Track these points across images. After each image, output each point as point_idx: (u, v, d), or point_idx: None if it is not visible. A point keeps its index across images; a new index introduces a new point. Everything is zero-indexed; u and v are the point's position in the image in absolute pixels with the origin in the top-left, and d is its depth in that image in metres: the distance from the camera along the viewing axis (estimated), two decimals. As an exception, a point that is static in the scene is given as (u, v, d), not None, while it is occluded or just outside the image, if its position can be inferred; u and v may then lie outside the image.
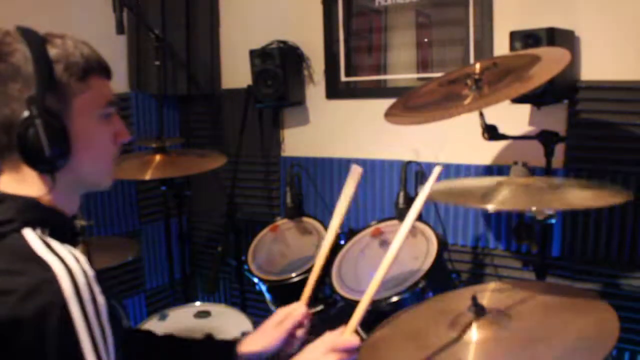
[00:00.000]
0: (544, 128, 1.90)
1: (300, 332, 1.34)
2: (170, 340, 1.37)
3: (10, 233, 0.88)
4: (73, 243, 0.94)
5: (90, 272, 0.87)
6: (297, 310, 1.35)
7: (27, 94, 0.91)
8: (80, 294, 0.84)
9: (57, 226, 0.95)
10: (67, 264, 0.85)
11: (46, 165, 0.94)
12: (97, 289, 0.87)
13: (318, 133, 2.81)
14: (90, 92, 0.99)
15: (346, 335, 1.16)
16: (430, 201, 1.66)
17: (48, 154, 0.92)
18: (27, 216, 0.92)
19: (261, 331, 1.34)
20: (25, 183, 0.96)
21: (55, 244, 0.88)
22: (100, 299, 0.87)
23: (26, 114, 0.91)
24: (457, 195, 1.56)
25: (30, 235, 0.89)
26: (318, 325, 2.05)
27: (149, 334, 1.38)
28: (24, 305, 0.81)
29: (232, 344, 1.32)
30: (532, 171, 1.60)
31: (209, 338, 1.42)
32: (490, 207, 1.37)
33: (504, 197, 1.38)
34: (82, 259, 0.88)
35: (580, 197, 1.40)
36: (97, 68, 1.02)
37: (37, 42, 0.94)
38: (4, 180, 0.98)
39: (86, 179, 1.02)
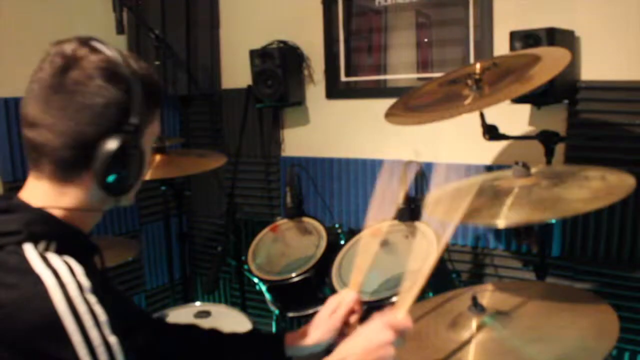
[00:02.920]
0: (544, 128, 1.90)
1: (353, 319, 1.30)
2: (215, 334, 1.35)
3: (9, 245, 0.86)
4: (86, 258, 0.93)
5: (87, 284, 0.85)
6: (348, 297, 1.31)
7: (116, 117, 0.92)
8: (75, 306, 0.82)
9: (67, 241, 0.93)
10: (60, 276, 0.83)
11: (119, 190, 0.96)
12: (93, 300, 0.85)
13: (318, 133, 2.81)
14: (156, 121, 1.01)
15: (401, 315, 1.12)
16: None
17: (130, 181, 0.97)
18: (34, 229, 0.89)
19: (316, 322, 1.31)
20: (65, 196, 0.95)
21: (53, 257, 0.86)
22: (99, 310, 0.85)
23: (116, 142, 0.91)
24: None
25: (29, 249, 0.87)
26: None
27: (193, 328, 1.36)
28: (14, 320, 0.80)
29: (279, 338, 1.31)
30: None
31: (254, 331, 1.40)
32: (500, 223, 1.34)
33: (510, 210, 1.35)
34: (79, 270, 0.86)
35: (583, 197, 1.39)
36: (161, 96, 1.03)
37: (132, 67, 0.95)
38: (35, 190, 0.95)
39: (122, 201, 1.03)
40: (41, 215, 0.92)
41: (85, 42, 0.95)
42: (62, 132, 0.90)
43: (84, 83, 0.91)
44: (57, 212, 0.94)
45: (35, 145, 0.92)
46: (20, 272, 0.83)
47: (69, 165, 0.92)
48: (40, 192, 0.94)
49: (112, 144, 0.91)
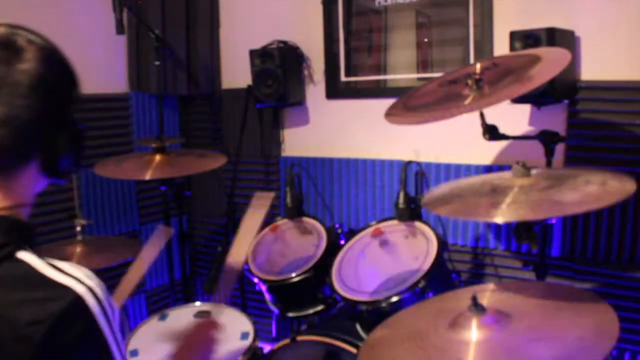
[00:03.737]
0: (544, 128, 1.90)
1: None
2: None
3: (7, 259, 0.82)
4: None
5: (103, 285, 0.85)
6: None
7: (49, 101, 0.88)
8: (104, 308, 0.83)
9: (31, 240, 0.88)
10: (85, 283, 0.82)
11: (66, 173, 0.93)
12: (111, 299, 0.85)
13: (318, 133, 2.81)
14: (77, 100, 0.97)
15: None
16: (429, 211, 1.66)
17: (77, 163, 0.94)
18: (16, 236, 0.84)
19: None
20: (11, 193, 0.88)
21: (59, 263, 0.84)
22: (116, 307, 0.86)
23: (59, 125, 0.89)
24: (461, 208, 1.54)
25: (30, 258, 0.83)
26: (319, 325, 2.06)
27: None
28: (57, 332, 0.78)
29: None
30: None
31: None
32: (499, 220, 1.35)
33: (508, 207, 1.36)
34: (91, 273, 0.85)
35: (583, 197, 1.39)
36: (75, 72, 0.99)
37: (53, 48, 0.91)
38: None
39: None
40: (13, 221, 0.86)
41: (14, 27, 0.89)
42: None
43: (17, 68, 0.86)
44: (5, 213, 0.86)
45: None
46: (43, 284, 0.80)
47: (11, 157, 0.86)
48: None
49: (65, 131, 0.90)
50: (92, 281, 0.83)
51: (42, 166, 0.90)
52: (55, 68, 0.90)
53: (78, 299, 0.80)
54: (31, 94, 0.85)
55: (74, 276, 0.82)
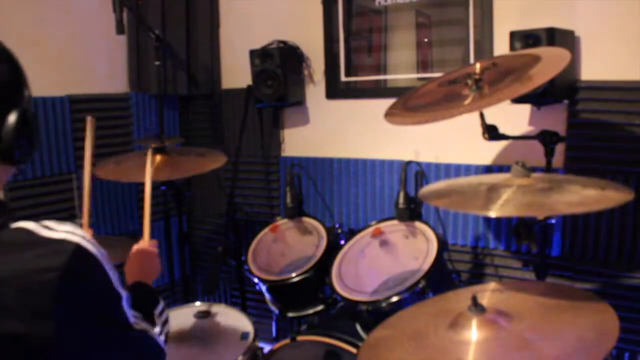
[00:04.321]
0: (544, 128, 1.90)
1: None
2: None
3: (3, 228, 0.91)
4: None
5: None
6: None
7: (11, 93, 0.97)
8: (100, 251, 0.94)
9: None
10: (77, 234, 0.92)
11: (25, 161, 1.00)
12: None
13: (318, 133, 2.81)
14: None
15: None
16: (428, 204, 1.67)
17: (34, 150, 1.00)
18: (2, 211, 0.93)
19: None
20: None
21: (48, 223, 0.93)
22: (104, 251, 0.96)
23: (16, 115, 0.95)
24: (457, 201, 1.55)
25: (24, 224, 0.91)
26: (319, 325, 2.06)
27: None
28: (70, 277, 0.87)
29: None
30: (532, 171, 1.60)
31: None
32: (492, 214, 1.36)
33: (505, 202, 1.37)
34: (75, 226, 0.95)
35: (582, 199, 1.40)
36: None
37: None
38: None
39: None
40: None
41: None
42: None
43: None
44: None
45: None
46: (46, 242, 0.89)
47: None
48: None
49: (13, 118, 0.95)
50: (80, 232, 0.94)
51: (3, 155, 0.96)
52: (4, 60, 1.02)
53: (78, 246, 0.90)
54: None
55: (66, 230, 0.92)
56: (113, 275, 0.97)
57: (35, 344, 0.85)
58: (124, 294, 0.99)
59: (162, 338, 1.20)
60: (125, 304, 1.00)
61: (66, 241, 0.90)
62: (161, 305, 1.25)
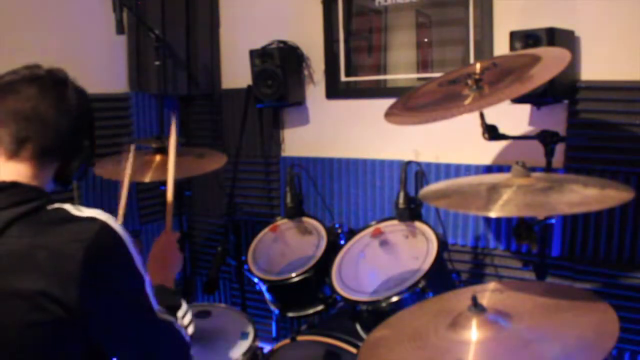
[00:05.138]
0: (544, 128, 1.90)
1: None
2: None
3: (46, 205, 1.05)
4: None
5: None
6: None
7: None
8: (124, 230, 1.06)
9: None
10: (104, 215, 1.06)
11: (71, 180, 1.21)
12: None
13: (318, 133, 2.81)
14: None
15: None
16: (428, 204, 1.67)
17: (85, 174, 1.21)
18: (46, 194, 1.09)
19: None
20: (38, 180, 1.12)
21: (80, 208, 1.06)
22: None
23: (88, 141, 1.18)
24: (457, 201, 1.55)
25: (60, 205, 1.06)
26: (319, 325, 2.06)
27: None
28: (95, 249, 1.00)
29: None
30: (532, 171, 1.60)
31: None
32: (492, 214, 1.36)
33: (505, 202, 1.37)
34: (101, 211, 1.08)
35: (583, 198, 1.40)
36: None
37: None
38: (17, 171, 1.10)
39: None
40: (35, 187, 1.09)
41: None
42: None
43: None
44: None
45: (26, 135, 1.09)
46: (78, 219, 1.03)
47: (48, 154, 1.12)
48: (25, 173, 1.10)
49: (86, 142, 1.18)
50: (107, 214, 1.07)
51: (58, 170, 1.16)
52: (85, 98, 1.23)
53: (105, 223, 1.04)
54: (72, 113, 1.15)
55: (93, 212, 1.06)
56: (137, 258, 1.07)
57: (61, 305, 0.95)
58: (147, 278, 1.09)
59: (187, 333, 1.26)
60: (148, 289, 1.09)
61: (95, 219, 1.04)
62: (184, 307, 1.32)
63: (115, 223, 1.05)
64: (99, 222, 1.03)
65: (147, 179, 2.21)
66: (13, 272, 0.96)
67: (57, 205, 1.06)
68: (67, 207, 1.06)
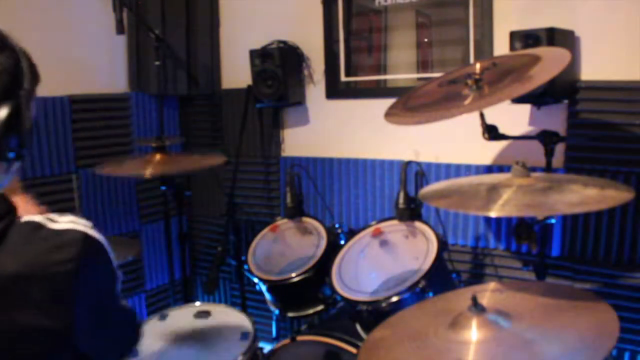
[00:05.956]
0: (544, 128, 1.90)
1: None
2: None
3: (14, 221, 0.92)
4: None
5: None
6: None
7: (9, 84, 0.94)
8: (103, 237, 0.97)
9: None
10: (81, 223, 0.95)
11: (15, 158, 0.96)
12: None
13: (318, 133, 2.81)
14: (34, 100, 1.02)
15: None
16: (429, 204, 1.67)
17: (25, 149, 0.97)
18: (12, 207, 0.95)
19: None
20: None
21: (53, 216, 0.95)
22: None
23: (9, 107, 0.92)
24: (457, 201, 1.55)
25: (32, 218, 0.93)
26: (319, 325, 2.07)
27: None
28: (84, 266, 0.92)
29: None
30: (532, 171, 1.60)
31: None
32: (492, 214, 1.36)
33: (505, 202, 1.37)
34: (75, 216, 0.98)
35: (583, 198, 1.40)
36: (39, 75, 1.06)
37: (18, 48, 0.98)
38: None
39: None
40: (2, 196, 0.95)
41: None
42: None
43: None
44: None
45: None
46: (57, 233, 0.92)
47: None
48: None
49: (4, 111, 0.92)
50: (83, 220, 0.97)
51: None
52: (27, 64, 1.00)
53: (86, 235, 0.94)
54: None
55: (69, 220, 0.95)
56: (114, 258, 1.02)
57: (57, 332, 0.89)
58: (119, 273, 1.05)
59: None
60: (119, 284, 1.05)
61: (74, 230, 0.94)
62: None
63: (93, 230, 0.97)
64: (80, 234, 0.94)
65: (147, 174, 2.21)
66: (5, 310, 0.87)
67: (26, 218, 0.94)
68: (39, 219, 0.94)
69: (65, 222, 0.94)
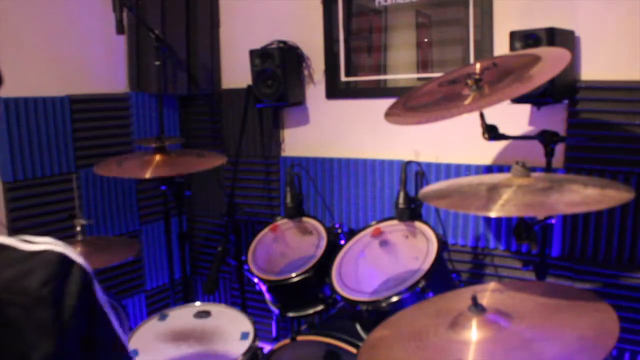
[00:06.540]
0: (544, 128, 1.90)
1: None
2: None
3: None
4: None
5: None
6: None
7: None
8: (81, 259, 0.89)
9: None
10: (57, 244, 0.89)
11: None
12: None
13: (318, 133, 2.81)
14: None
15: None
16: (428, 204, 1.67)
17: None
18: None
19: None
20: None
21: (26, 237, 0.90)
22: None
23: None
24: (457, 201, 1.55)
25: (2, 240, 0.87)
26: (319, 325, 2.06)
27: None
28: (62, 287, 0.85)
29: None
30: (532, 171, 1.60)
31: None
32: (492, 214, 1.36)
33: (505, 202, 1.37)
34: (53, 239, 0.91)
35: (583, 198, 1.40)
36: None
37: None
38: None
39: None
40: None
41: None
42: None
43: None
44: None
45: None
46: (31, 255, 0.86)
47: None
48: None
49: None
50: (61, 242, 0.90)
51: None
52: None
53: (63, 256, 0.87)
54: None
55: (47, 242, 0.89)
56: (97, 283, 0.93)
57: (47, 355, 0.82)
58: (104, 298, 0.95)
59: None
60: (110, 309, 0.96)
61: (51, 252, 0.87)
62: None
63: (70, 251, 0.90)
64: (56, 255, 0.88)
65: (147, 175, 2.21)
66: None
67: None
68: (9, 241, 0.88)
69: (41, 242, 0.88)
